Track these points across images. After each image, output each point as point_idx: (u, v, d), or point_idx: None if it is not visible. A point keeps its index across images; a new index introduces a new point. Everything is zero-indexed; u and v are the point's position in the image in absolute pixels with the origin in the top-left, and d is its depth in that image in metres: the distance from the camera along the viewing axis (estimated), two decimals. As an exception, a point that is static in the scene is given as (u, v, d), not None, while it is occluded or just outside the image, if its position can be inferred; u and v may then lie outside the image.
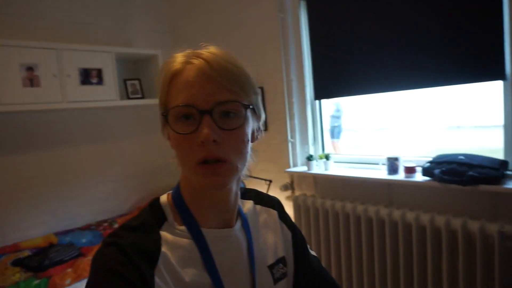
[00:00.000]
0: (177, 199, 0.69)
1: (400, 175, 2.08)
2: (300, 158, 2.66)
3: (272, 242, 0.78)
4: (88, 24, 2.86)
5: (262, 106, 0.71)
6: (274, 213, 0.84)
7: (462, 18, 1.84)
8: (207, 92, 0.60)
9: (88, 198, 2.88)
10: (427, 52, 1.98)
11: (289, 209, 2.58)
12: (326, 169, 2.43)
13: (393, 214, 2.02)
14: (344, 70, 2.36)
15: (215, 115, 0.60)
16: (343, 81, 2.39)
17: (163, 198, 0.70)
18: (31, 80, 2.29)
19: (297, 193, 2.64)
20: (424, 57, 2.00)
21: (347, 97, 2.47)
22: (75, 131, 2.82)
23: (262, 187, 2.68)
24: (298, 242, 0.84)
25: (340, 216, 2.26)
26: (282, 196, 2.67)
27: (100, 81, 2.61)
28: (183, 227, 0.66)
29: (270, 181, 2.67)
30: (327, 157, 2.44)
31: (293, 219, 2.50)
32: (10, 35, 2.37)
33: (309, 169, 2.48)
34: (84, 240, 2.55)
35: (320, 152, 2.62)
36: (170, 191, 0.72)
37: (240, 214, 0.75)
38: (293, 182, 2.67)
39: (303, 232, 2.46)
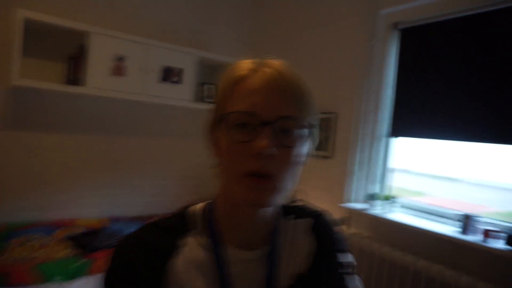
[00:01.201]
0: (210, 211, 0.67)
1: (476, 237, 1.84)
2: (360, 194, 2.49)
3: (299, 258, 0.69)
4: (174, 25, 2.99)
5: (318, 131, 0.66)
6: (309, 222, 0.73)
7: None
8: (271, 103, 0.57)
9: (144, 189, 2.97)
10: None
11: (340, 245, 2.42)
12: (388, 212, 2.25)
13: (462, 281, 1.79)
14: (428, 111, 2.20)
15: (276, 129, 0.56)
16: (425, 122, 2.22)
17: (198, 207, 0.69)
18: (119, 69, 2.43)
19: (351, 230, 2.47)
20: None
21: (426, 139, 2.28)
22: (147, 123, 2.94)
23: (315, 216, 2.55)
24: (323, 256, 0.69)
25: (398, 267, 2.06)
26: (335, 230, 2.51)
27: (179, 81, 2.70)
28: (207, 240, 0.64)
29: (325, 211, 2.54)
30: (392, 199, 2.26)
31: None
32: (107, 26, 2.55)
33: (369, 208, 2.32)
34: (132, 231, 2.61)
35: (384, 192, 2.44)
36: (208, 201, 0.70)
37: (273, 236, 0.68)
38: (350, 218, 2.51)
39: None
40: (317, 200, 2.60)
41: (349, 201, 2.49)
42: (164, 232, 0.63)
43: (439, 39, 2.17)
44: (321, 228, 0.73)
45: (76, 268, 2.00)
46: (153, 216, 2.87)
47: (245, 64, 0.62)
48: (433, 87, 2.18)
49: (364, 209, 2.33)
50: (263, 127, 0.55)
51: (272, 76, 0.58)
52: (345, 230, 2.49)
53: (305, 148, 0.62)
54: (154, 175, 3.02)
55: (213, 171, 0.66)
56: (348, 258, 0.72)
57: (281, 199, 0.60)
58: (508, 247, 1.67)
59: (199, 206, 0.69)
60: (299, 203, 0.78)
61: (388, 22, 2.40)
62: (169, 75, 2.65)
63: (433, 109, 2.17)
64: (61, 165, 2.59)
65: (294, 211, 0.75)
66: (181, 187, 3.16)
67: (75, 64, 2.35)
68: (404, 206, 2.32)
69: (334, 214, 2.50)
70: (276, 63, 0.61)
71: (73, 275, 1.95)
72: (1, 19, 2.26)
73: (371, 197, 2.33)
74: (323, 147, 2.67)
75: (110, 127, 2.77)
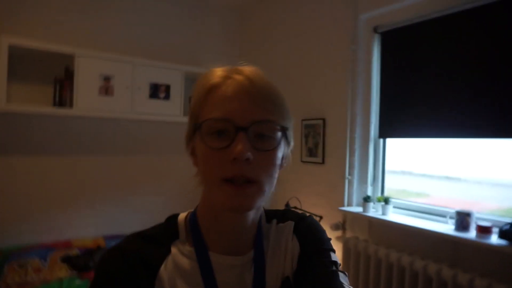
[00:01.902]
0: (192, 219, 0.68)
1: (471, 234, 1.82)
2: (356, 198, 2.48)
3: (282, 262, 0.69)
4: (163, 42, 3.03)
5: (293, 134, 0.68)
6: (290, 224, 0.73)
7: None
8: (245, 108, 0.58)
9: (138, 207, 2.96)
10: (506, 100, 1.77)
11: (338, 251, 2.40)
12: (383, 214, 2.23)
13: (459, 278, 1.76)
14: (415, 111, 2.19)
15: (251, 134, 0.57)
16: (412, 122, 2.22)
17: (181, 216, 0.70)
18: (106, 89, 2.46)
19: (348, 234, 2.45)
20: (504, 105, 1.79)
21: (414, 138, 2.28)
22: (137, 141, 2.95)
23: (311, 223, 2.53)
24: (306, 257, 0.69)
25: (395, 268, 2.03)
26: (332, 236, 2.49)
27: (167, 96, 2.72)
28: (191, 249, 0.64)
29: (321, 217, 2.52)
30: (386, 200, 2.24)
31: (341, 262, 2.28)
32: (94, 46, 2.58)
33: (365, 211, 2.30)
34: (129, 248, 2.59)
35: (379, 194, 2.43)
36: (190, 210, 0.71)
37: (256, 241, 0.68)
38: (345, 222, 2.49)
39: (350, 278, 2.26)
40: (315, 206, 2.61)
41: (346, 204, 2.48)
42: (148, 242, 0.63)
43: (419, 39, 2.18)
44: (302, 230, 0.73)
45: (72, 289, 1.99)
46: (150, 233, 2.87)
47: (218, 72, 0.63)
48: (418, 87, 2.18)
49: (360, 212, 2.31)
50: (238, 133, 0.56)
51: (244, 82, 0.59)
52: (342, 234, 2.47)
53: (281, 151, 0.63)
54: (148, 191, 3.02)
55: (195, 180, 0.67)
56: (332, 257, 0.71)
57: (261, 202, 0.61)
58: (500, 241, 1.65)
59: (182, 215, 0.70)
60: (287, 209, 0.80)
61: (369, 26, 2.42)
62: (157, 91, 2.68)
63: (419, 108, 2.17)
64: (54, 188, 2.59)
65: (276, 216, 0.76)
66: (176, 202, 3.15)
67: (61, 87, 2.38)
68: (398, 207, 2.31)
69: (332, 218, 2.50)
70: (247, 69, 0.62)
71: (68, 297, 1.94)
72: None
73: (366, 200, 2.31)
74: (314, 153, 2.67)
75: (101, 147, 2.78)
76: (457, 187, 2.41)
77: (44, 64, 2.46)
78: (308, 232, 0.73)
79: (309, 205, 2.66)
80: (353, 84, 2.47)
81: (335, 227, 2.48)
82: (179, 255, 0.64)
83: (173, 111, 2.76)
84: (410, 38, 2.23)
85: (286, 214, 0.76)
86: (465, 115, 1.95)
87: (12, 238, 2.41)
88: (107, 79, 2.46)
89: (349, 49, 2.46)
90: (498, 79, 1.82)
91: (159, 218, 2.84)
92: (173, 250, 0.64)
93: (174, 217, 0.70)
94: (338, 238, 2.48)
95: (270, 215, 0.76)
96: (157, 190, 3.06)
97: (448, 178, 2.42)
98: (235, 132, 0.57)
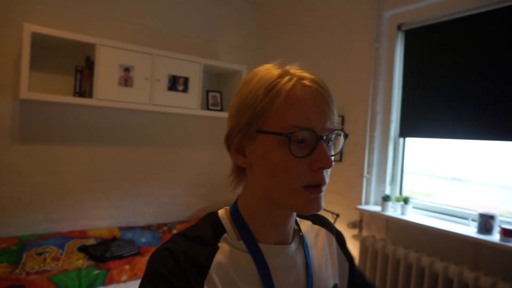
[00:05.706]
0: (235, 214, 0.68)
1: (495, 237, 1.80)
2: (374, 197, 2.46)
3: (328, 266, 0.75)
4: (181, 34, 3.01)
5: None
6: (332, 237, 0.80)
7: None
8: (325, 118, 0.61)
9: (153, 199, 2.96)
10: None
11: (354, 249, 2.39)
12: (402, 213, 2.21)
13: (481, 281, 1.74)
14: (437, 111, 2.17)
15: (327, 142, 0.61)
16: (434, 122, 2.19)
17: (221, 212, 0.71)
18: (126, 80, 2.44)
19: (365, 233, 2.44)
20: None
21: (435, 139, 2.26)
22: (154, 133, 2.94)
23: (327, 220, 2.52)
24: (356, 274, 0.81)
25: (414, 269, 2.02)
26: (348, 234, 2.48)
27: (185, 89, 2.71)
28: (240, 242, 0.65)
29: (338, 215, 2.51)
30: (405, 200, 2.23)
31: (357, 262, 2.28)
32: (114, 37, 2.57)
33: (383, 210, 2.28)
34: (143, 240, 2.60)
35: (397, 193, 2.41)
36: (226, 207, 0.72)
37: (297, 232, 0.74)
38: (362, 221, 2.47)
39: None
40: (331, 204, 2.59)
41: (363, 203, 2.46)
42: (195, 243, 0.63)
43: (443, 39, 2.15)
44: (344, 244, 0.81)
45: (91, 278, 1.99)
46: (164, 225, 2.88)
47: (284, 78, 0.61)
48: (440, 87, 2.15)
49: (378, 211, 2.30)
50: (318, 142, 0.59)
51: (320, 91, 0.61)
52: (359, 233, 2.46)
53: None
54: (163, 184, 3.02)
55: (229, 179, 0.69)
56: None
57: None
58: (528, 245, 1.64)
59: (221, 211, 0.71)
60: None
61: (393, 24, 2.38)
62: (175, 84, 2.66)
63: (440, 109, 2.15)
64: (71, 177, 2.59)
65: (309, 216, 0.80)
66: (190, 195, 3.15)
67: (82, 76, 2.37)
68: (417, 207, 2.29)
69: (349, 217, 2.48)
70: (312, 76, 0.64)
71: (87, 286, 1.94)
72: (9, 34, 2.29)
73: (385, 199, 2.29)
74: (332, 150, 2.65)
75: (118, 137, 2.78)
76: (465, 188, 2.39)
77: (65, 53, 2.45)
78: (351, 253, 0.83)
79: (325, 202, 2.62)
80: (374, 82, 2.44)
81: (352, 225, 2.47)
82: (230, 249, 0.64)
83: (191, 104, 2.75)
84: (434, 37, 2.20)
85: (317, 216, 0.82)
86: (490, 117, 1.93)
87: (28, 226, 2.42)
88: (126, 70, 2.44)
89: (372, 46, 2.43)
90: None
91: (174, 210, 2.87)
92: (222, 245, 0.64)
93: (214, 214, 0.70)
94: (354, 237, 2.47)
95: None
96: (172, 183, 3.06)
97: (457, 179, 2.40)
98: (316, 141, 0.59)
